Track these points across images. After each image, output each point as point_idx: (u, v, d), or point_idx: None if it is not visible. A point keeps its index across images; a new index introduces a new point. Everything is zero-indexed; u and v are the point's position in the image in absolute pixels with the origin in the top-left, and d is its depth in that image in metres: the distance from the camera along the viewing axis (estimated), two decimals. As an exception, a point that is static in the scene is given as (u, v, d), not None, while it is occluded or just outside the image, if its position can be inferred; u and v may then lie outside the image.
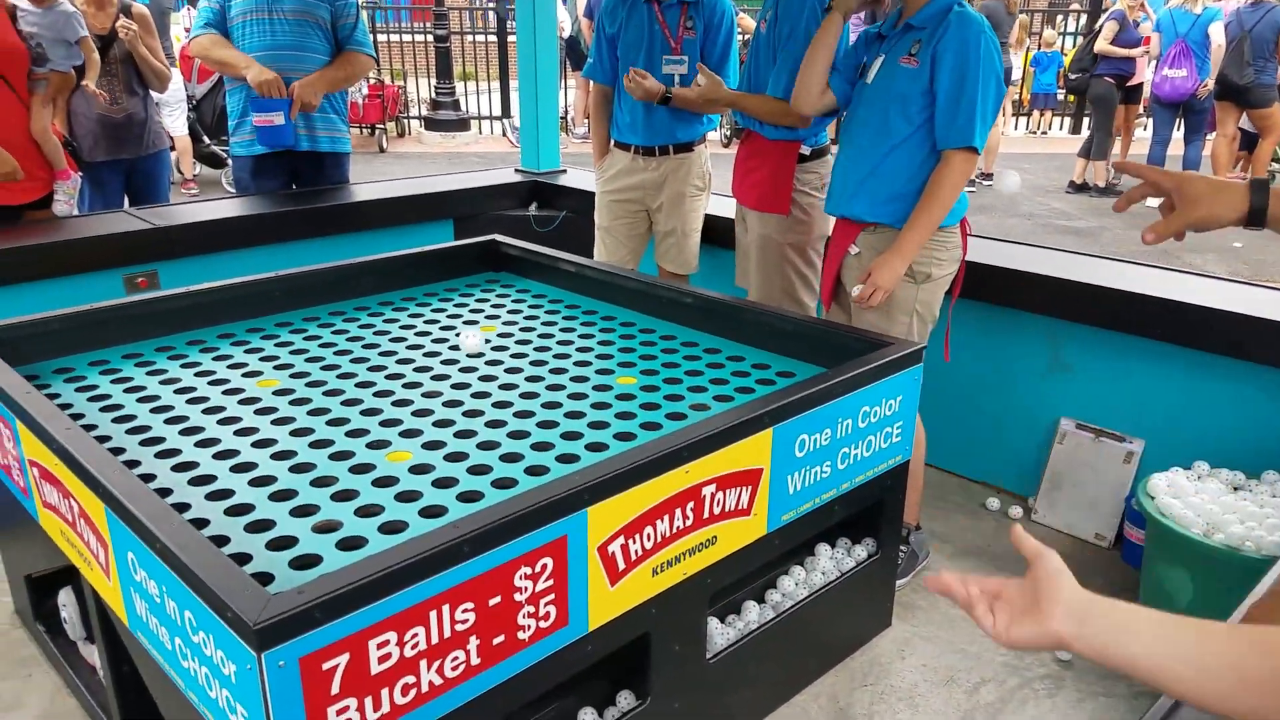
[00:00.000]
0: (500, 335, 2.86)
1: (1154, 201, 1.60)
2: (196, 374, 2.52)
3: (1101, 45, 9.38)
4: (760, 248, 3.45)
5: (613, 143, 3.91)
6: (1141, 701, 2.51)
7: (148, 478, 1.96)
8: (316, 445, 2.13)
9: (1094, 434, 3.29)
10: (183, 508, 1.84)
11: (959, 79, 2.65)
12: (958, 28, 2.65)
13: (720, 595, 2.29)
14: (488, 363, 2.64)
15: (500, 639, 1.70)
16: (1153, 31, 9.23)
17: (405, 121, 13.45)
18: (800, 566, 2.53)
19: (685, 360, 2.67)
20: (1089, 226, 8.53)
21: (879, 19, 2.85)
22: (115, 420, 2.23)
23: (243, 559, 1.67)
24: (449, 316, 3.03)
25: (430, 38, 13.23)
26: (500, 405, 2.37)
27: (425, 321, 2.98)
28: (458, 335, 2.80)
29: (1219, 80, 8.55)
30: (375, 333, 2.87)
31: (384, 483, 1.97)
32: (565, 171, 5.15)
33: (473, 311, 3.08)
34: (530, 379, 2.53)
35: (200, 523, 1.79)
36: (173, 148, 8.72)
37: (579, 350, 2.74)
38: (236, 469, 2.01)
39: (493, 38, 14.02)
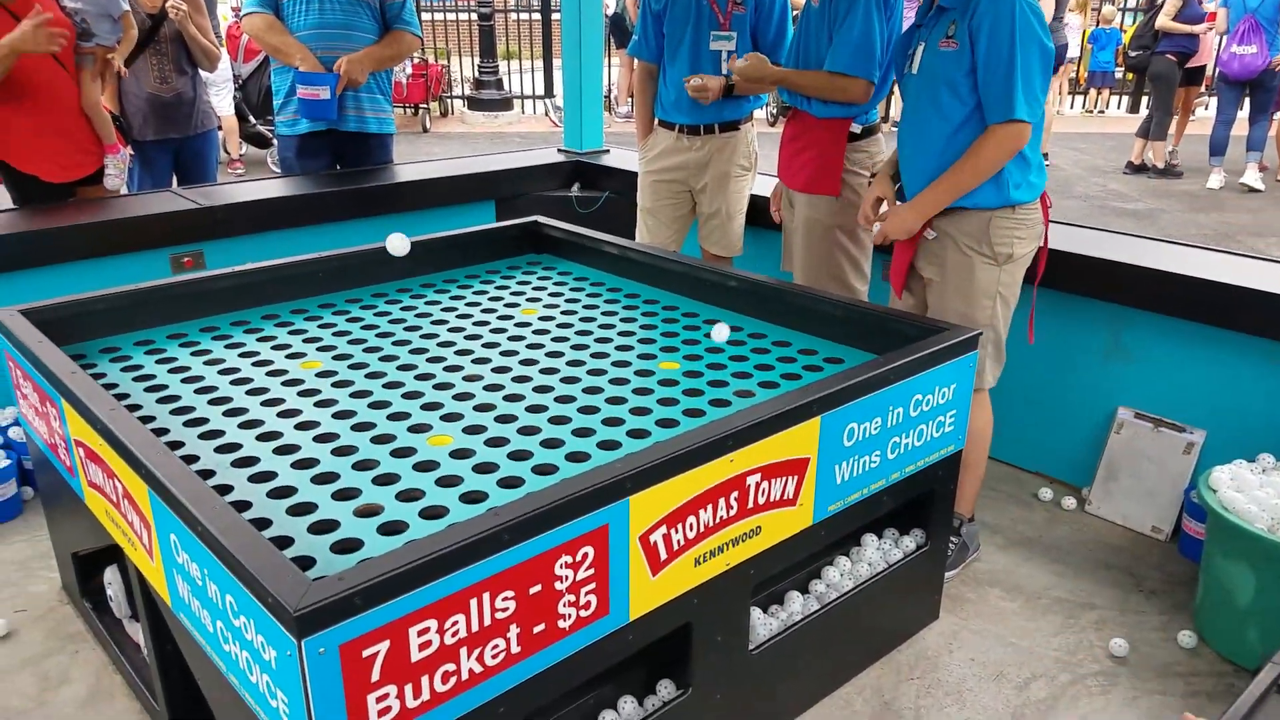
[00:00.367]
0: (541, 319, 2.83)
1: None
2: (240, 355, 2.52)
3: (1164, 21, 9.11)
4: (807, 231, 3.39)
5: (656, 122, 3.85)
6: (1199, 700, 2.44)
7: (191, 459, 1.96)
8: (359, 428, 2.12)
9: (1153, 423, 3.20)
10: (226, 489, 1.84)
11: (995, 51, 2.59)
12: (989, 1, 2.58)
13: (763, 586, 2.26)
14: (528, 346, 2.62)
15: (540, 627, 1.68)
16: (1219, 6, 8.93)
17: (449, 101, 13.46)
18: (846, 557, 2.49)
19: (730, 345, 2.63)
20: (1147, 209, 8.31)
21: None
22: (160, 401, 2.24)
23: (284, 542, 1.67)
24: (490, 299, 3.01)
25: (474, 16, 13.20)
26: (541, 390, 2.34)
27: (466, 304, 2.96)
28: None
29: None
30: (417, 315, 2.85)
31: (425, 467, 1.96)
32: (608, 151, 5.11)
33: (514, 294, 3.06)
34: (571, 363, 2.51)
35: (243, 505, 1.79)
36: (219, 127, 8.82)
37: (621, 334, 2.71)
38: (280, 451, 2.01)
39: (537, 16, 13.98)
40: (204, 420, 2.14)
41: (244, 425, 2.12)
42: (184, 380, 2.35)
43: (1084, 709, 2.41)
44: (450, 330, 2.73)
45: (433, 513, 1.79)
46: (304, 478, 1.90)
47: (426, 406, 2.24)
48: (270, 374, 2.40)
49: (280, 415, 2.18)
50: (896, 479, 2.38)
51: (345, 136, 4.28)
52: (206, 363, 2.46)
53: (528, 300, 3.00)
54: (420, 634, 1.48)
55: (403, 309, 2.91)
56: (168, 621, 1.92)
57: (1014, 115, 2.60)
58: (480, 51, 13.02)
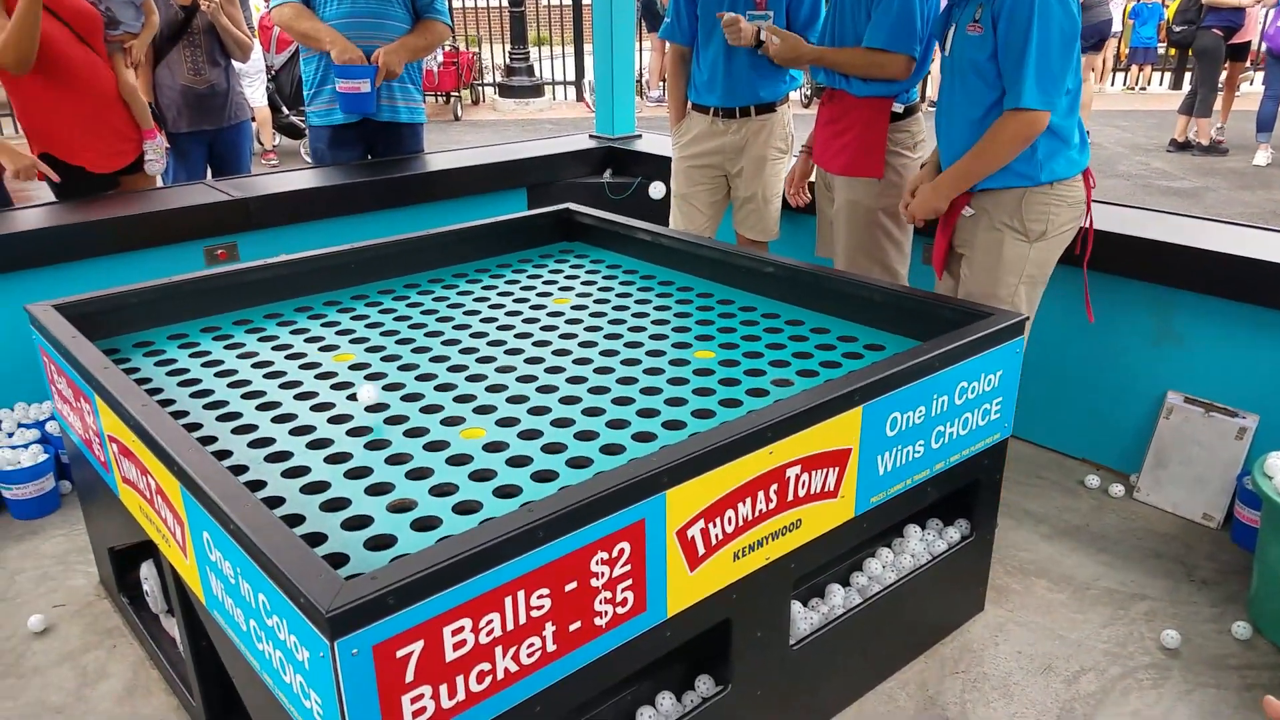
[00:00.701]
0: (574, 308, 2.80)
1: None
2: (274, 348, 2.51)
3: (1211, -6, 8.91)
4: (849, 214, 3.31)
5: (690, 105, 3.79)
6: (1254, 694, 2.37)
7: (224, 454, 1.95)
8: (391, 421, 2.10)
9: (1204, 408, 3.12)
10: (258, 485, 1.83)
11: (1012, 38, 2.57)
12: None
13: (804, 579, 2.21)
14: (561, 337, 2.58)
15: (576, 625, 1.64)
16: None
17: (480, 89, 13.45)
18: (888, 549, 2.43)
19: (766, 333, 2.58)
20: (1192, 187, 8.12)
21: None
22: (193, 395, 2.23)
23: (317, 539, 1.65)
24: (522, 289, 2.98)
25: (505, 2, 13.16)
26: (575, 380, 2.31)
27: (499, 294, 2.93)
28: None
29: None
30: (449, 305, 2.83)
31: (458, 461, 1.93)
32: (640, 136, 5.05)
33: (546, 284, 3.02)
34: (605, 353, 2.47)
35: (275, 500, 1.77)
36: (252, 118, 8.86)
37: (655, 323, 2.67)
38: (312, 445, 1.99)
39: (568, 1, 13.91)
40: (237, 414, 2.13)
41: (277, 419, 2.11)
42: (217, 374, 2.35)
43: (1135, 703, 2.35)
44: (482, 321, 2.70)
45: (466, 508, 1.77)
46: (337, 472, 1.88)
47: (459, 399, 2.21)
48: (303, 367, 2.39)
49: (313, 409, 2.16)
50: (940, 469, 2.31)
51: (377, 126, 4.26)
52: (240, 356, 2.45)
53: (560, 290, 2.96)
54: (455, 633, 1.45)
55: (435, 300, 2.88)
56: (202, 619, 1.92)
57: (1021, 104, 2.57)
58: (511, 38, 12.99)
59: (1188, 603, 2.72)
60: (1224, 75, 9.38)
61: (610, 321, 2.68)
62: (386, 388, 2.27)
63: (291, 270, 2.85)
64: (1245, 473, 2.97)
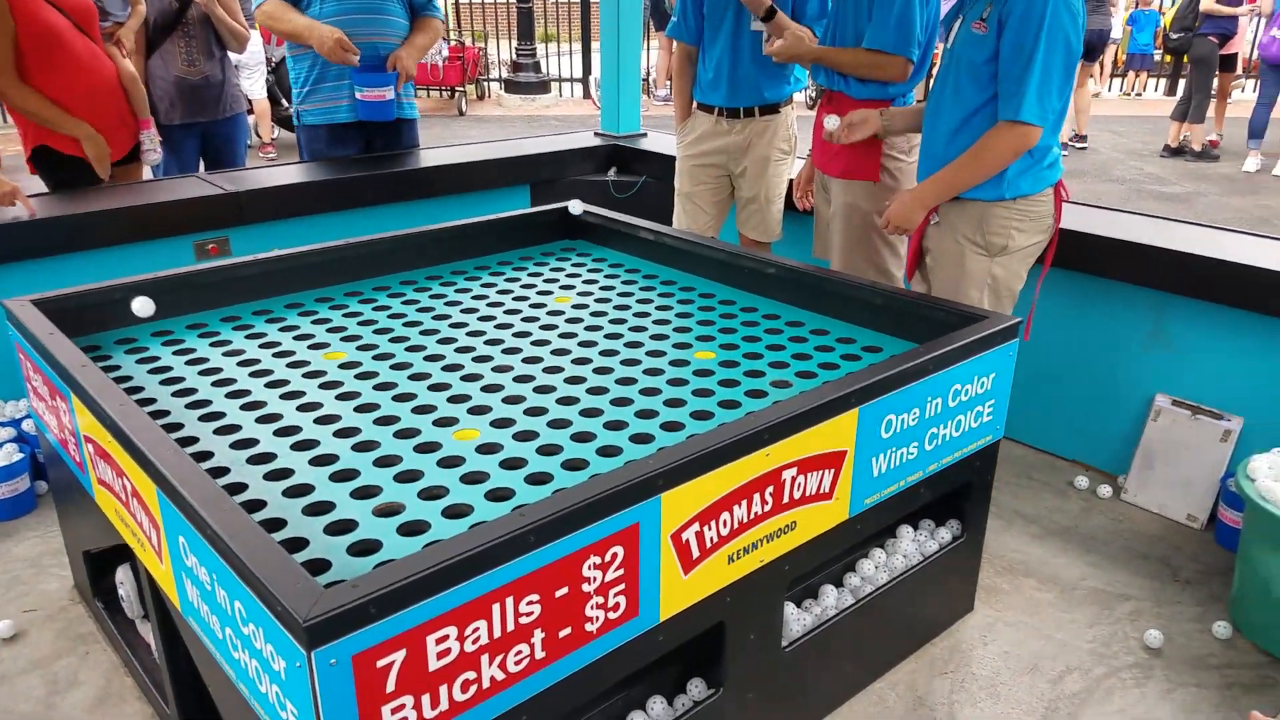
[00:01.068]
0: (575, 307, 2.75)
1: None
2: (261, 345, 2.46)
3: (1208, 3, 9.05)
4: (845, 217, 3.29)
5: (695, 105, 3.76)
6: (1234, 693, 2.38)
7: (205, 455, 1.90)
8: (381, 422, 2.06)
9: (1191, 411, 3.12)
10: (239, 488, 1.78)
11: (1018, 47, 2.51)
12: None
13: (798, 581, 2.18)
14: (561, 335, 2.54)
15: (567, 631, 1.60)
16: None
17: (485, 84, 13.40)
18: (880, 549, 2.41)
19: (766, 334, 2.54)
20: (1184, 192, 8.18)
21: None
22: (175, 394, 2.18)
23: (299, 544, 1.60)
24: (522, 286, 2.93)
25: (513, -1, 13.14)
26: (573, 381, 2.26)
27: (498, 292, 2.89)
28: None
29: None
30: (446, 303, 2.78)
31: (449, 463, 1.89)
32: (646, 135, 5.01)
33: (547, 281, 2.98)
34: (605, 353, 2.43)
35: (257, 504, 1.73)
36: (251, 111, 8.81)
37: (656, 323, 2.63)
38: (297, 446, 1.94)
39: (575, -2, 13.88)
40: (220, 414, 2.08)
41: (262, 420, 2.06)
42: (201, 373, 2.29)
43: (1119, 702, 2.36)
44: (480, 319, 2.66)
45: (456, 511, 1.72)
46: (322, 475, 1.84)
47: (453, 399, 2.17)
48: (291, 365, 2.34)
49: (300, 409, 2.11)
50: (934, 471, 2.29)
51: (375, 124, 4.20)
52: (226, 354, 2.40)
53: (561, 288, 2.92)
54: (439, 642, 1.41)
55: (431, 297, 2.84)
56: (178, 625, 1.87)
57: (1020, 117, 2.53)
58: (518, 34, 12.94)
59: (1171, 603, 2.73)
60: (1215, 84, 9.46)
61: (611, 321, 2.64)
62: (377, 387, 2.23)
63: (283, 266, 2.79)
64: (1229, 475, 2.98)
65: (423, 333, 2.56)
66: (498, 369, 2.33)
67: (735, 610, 1.92)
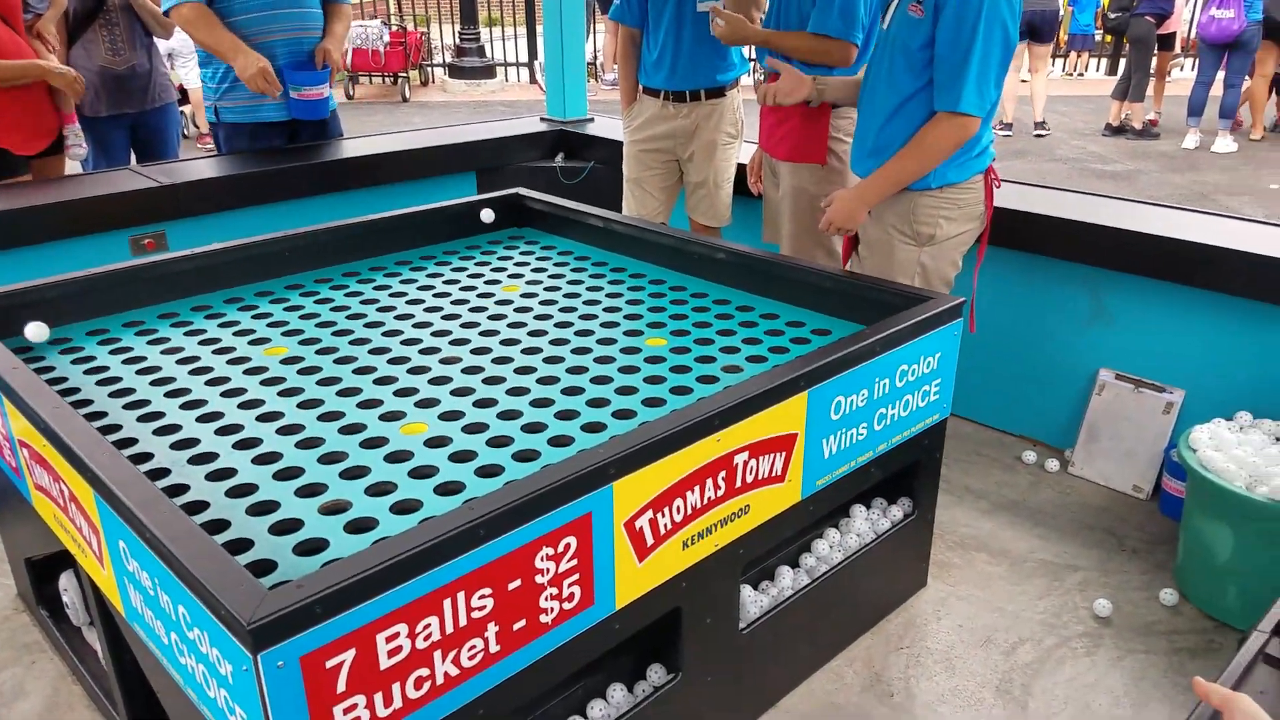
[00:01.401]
0: (523, 296, 2.73)
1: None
2: (201, 342, 2.40)
3: (1143, -17, 9.14)
4: (794, 200, 3.29)
5: (640, 88, 3.73)
6: (1181, 657, 2.45)
7: (145, 456, 1.85)
8: (326, 418, 2.02)
9: (1134, 384, 3.18)
10: (181, 489, 1.74)
11: (955, 35, 2.47)
12: None
13: (753, 564, 2.19)
14: (509, 325, 2.51)
15: (521, 624, 1.59)
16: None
17: (429, 69, 13.21)
18: (835, 529, 2.42)
19: (717, 319, 2.54)
20: (1125, 170, 8.33)
21: None
22: (112, 395, 2.12)
23: (243, 545, 1.57)
24: (469, 276, 2.90)
25: (453, -18, 12.95)
26: (523, 371, 2.24)
27: (444, 282, 2.85)
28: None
29: (1264, 19, 8.33)
30: (391, 294, 2.74)
31: (397, 458, 1.86)
32: (593, 120, 4.98)
33: (495, 270, 2.94)
34: (555, 341, 2.41)
35: (199, 505, 1.69)
36: (187, 100, 8.59)
37: (606, 310, 2.61)
38: (240, 445, 1.90)
39: (516, -18, 13.73)
40: (160, 414, 2.03)
41: (203, 419, 2.01)
42: (139, 371, 2.23)
43: (1070, 671, 2.41)
44: (426, 311, 2.62)
45: (405, 507, 1.70)
46: (266, 474, 1.80)
47: (400, 393, 2.14)
48: (232, 362, 2.29)
49: (242, 406, 2.07)
50: (884, 450, 2.32)
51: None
52: (164, 352, 2.34)
53: (509, 277, 2.89)
54: (389, 640, 1.39)
55: (376, 288, 2.79)
56: (123, 631, 1.82)
57: (960, 108, 2.50)
58: (461, 18, 12.76)
59: (1119, 572, 2.79)
60: (1154, 63, 9.63)
61: (561, 309, 2.62)
62: (321, 383, 2.18)
63: (221, 259, 2.73)
64: (1172, 446, 3.04)
65: (367, 325, 2.52)
66: (445, 360, 2.31)
67: (691, 595, 1.92)
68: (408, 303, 2.68)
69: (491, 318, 2.57)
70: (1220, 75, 8.82)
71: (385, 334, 2.46)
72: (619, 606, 1.77)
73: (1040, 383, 3.42)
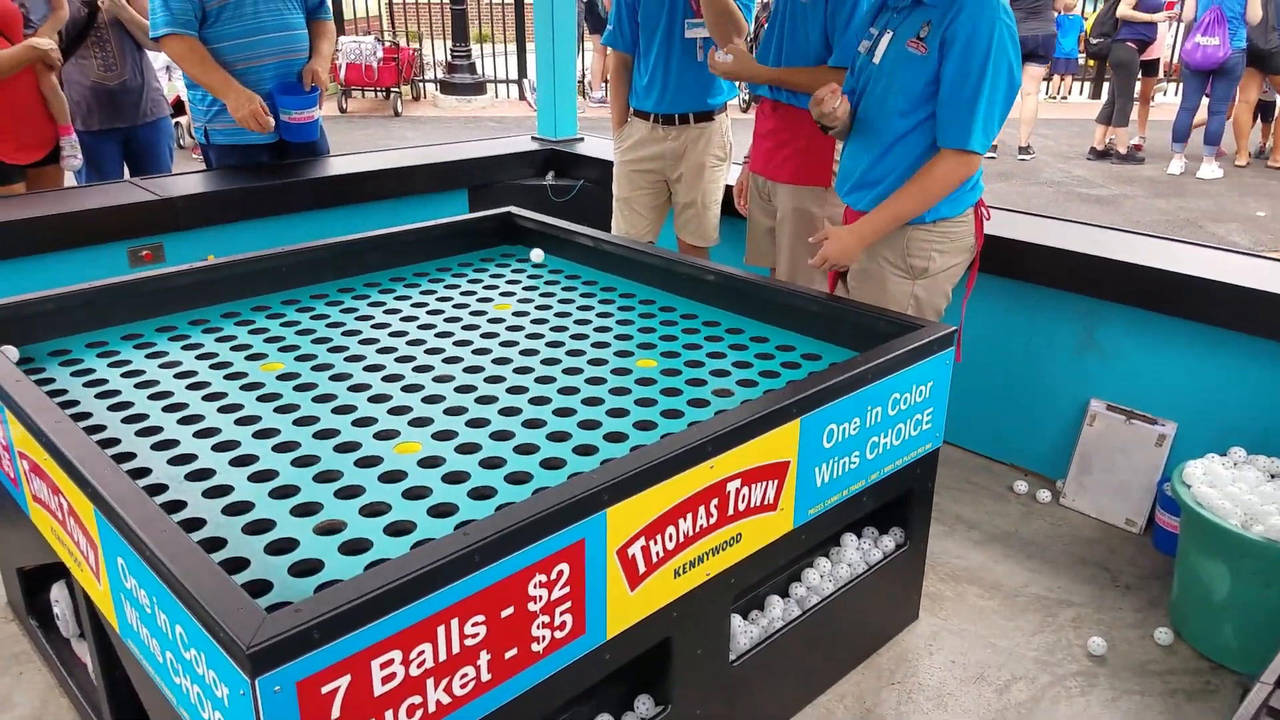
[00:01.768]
0: (515, 314, 2.74)
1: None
2: (198, 357, 2.41)
3: (1124, 10, 9.28)
4: (794, 223, 3.29)
5: (631, 111, 3.77)
6: (1177, 699, 2.42)
7: (142, 471, 1.86)
8: (321, 435, 2.03)
9: (1125, 416, 3.18)
10: (178, 505, 1.74)
11: (964, 73, 2.48)
12: (971, 10, 2.46)
13: (744, 593, 2.19)
14: (502, 344, 2.53)
15: (513, 652, 1.60)
16: (1190, -2, 9.04)
17: (420, 85, 13.26)
18: (825, 558, 2.42)
19: (707, 341, 2.56)
20: (1110, 194, 8.38)
21: None
22: (111, 408, 2.13)
23: (239, 564, 1.57)
24: (461, 294, 2.91)
25: (446, -1, 13.01)
26: (515, 391, 2.26)
27: (437, 299, 2.86)
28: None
29: (1248, 47, 8.43)
30: (385, 311, 2.76)
31: (391, 478, 1.87)
32: (583, 139, 5.01)
33: (487, 288, 2.96)
34: (546, 361, 2.42)
35: (196, 523, 1.69)
36: (184, 113, 8.58)
37: (597, 330, 2.63)
38: (236, 462, 1.91)
39: (509, -1, 13.80)
40: (157, 429, 2.03)
41: (200, 434, 2.02)
42: (138, 385, 2.24)
43: (1064, 712, 2.38)
44: (420, 328, 2.64)
45: (399, 529, 1.71)
46: (262, 491, 1.81)
47: (394, 411, 2.15)
48: (229, 377, 2.30)
49: (238, 422, 2.07)
50: (876, 479, 2.32)
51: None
52: (162, 365, 2.35)
53: (501, 295, 2.90)
54: (384, 666, 1.40)
55: (370, 305, 2.80)
56: (116, 647, 1.82)
57: (969, 146, 2.52)
58: (453, 35, 12.83)
59: (1112, 609, 2.77)
60: (1138, 88, 9.72)
61: (552, 329, 2.63)
62: (316, 399, 2.19)
63: (219, 274, 2.74)
64: (1165, 479, 3.02)
65: (362, 342, 2.53)
66: (439, 379, 2.32)
67: (682, 625, 1.92)
68: (402, 319, 2.69)
69: (484, 336, 2.58)
70: (1205, 102, 8.90)
71: (379, 351, 2.48)
72: (610, 636, 1.77)
73: (1030, 411, 3.43)
